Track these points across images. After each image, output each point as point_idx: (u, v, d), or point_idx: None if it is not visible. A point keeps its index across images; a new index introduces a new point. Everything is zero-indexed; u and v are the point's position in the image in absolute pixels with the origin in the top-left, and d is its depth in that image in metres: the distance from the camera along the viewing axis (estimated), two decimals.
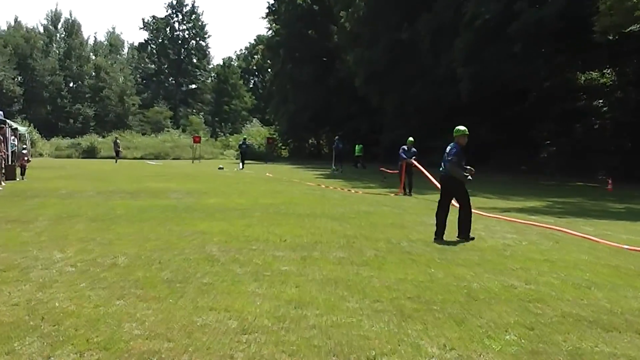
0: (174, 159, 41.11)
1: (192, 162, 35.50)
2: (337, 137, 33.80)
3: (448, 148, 7.40)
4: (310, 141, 51.16)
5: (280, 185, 17.14)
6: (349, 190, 15.82)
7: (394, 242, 6.98)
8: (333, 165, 28.39)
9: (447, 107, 28.17)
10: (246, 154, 31.08)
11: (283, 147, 52.41)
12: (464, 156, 7.37)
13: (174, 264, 5.44)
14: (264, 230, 7.64)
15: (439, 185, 13.17)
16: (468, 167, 7.39)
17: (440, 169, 7.54)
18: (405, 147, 14.64)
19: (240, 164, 29.30)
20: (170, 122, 63.14)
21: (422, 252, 6.41)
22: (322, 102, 42.74)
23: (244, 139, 33.26)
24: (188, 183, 16.57)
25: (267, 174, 23.74)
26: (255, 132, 51.33)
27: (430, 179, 13.83)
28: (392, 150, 28.77)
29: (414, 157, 14.51)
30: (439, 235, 7.21)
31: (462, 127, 7.43)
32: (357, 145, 30.96)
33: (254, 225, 8.12)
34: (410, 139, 14.71)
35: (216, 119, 72.94)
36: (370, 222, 8.82)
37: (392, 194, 14.72)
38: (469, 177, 7.24)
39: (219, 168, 27.56)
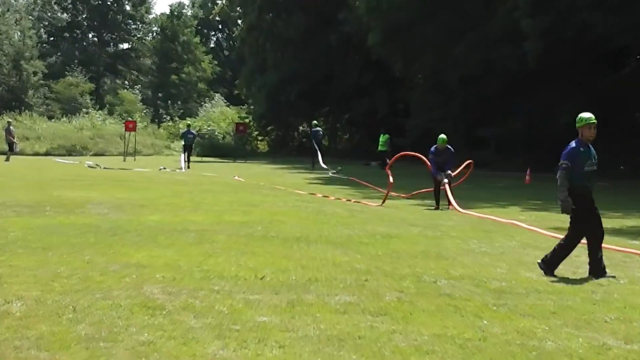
0: (96, 154, 41.04)
1: (124, 159, 35.48)
2: (314, 122, 33.92)
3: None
4: (301, 128, 51.31)
5: (256, 194, 17.13)
6: (359, 201, 15.80)
7: (426, 280, 6.99)
8: (329, 169, 28.44)
9: (506, 77, 28.22)
10: (192, 148, 31.22)
11: (260, 138, 52.42)
12: (592, 159, 7.39)
13: (96, 313, 5.42)
14: (231, 262, 7.62)
15: (464, 211, 13.48)
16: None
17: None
18: (435, 147, 14.71)
19: (183, 162, 29.59)
20: (91, 99, 63.16)
21: (469, 294, 6.41)
22: (318, 69, 42.82)
23: (188, 126, 33.55)
24: (118, 191, 16.54)
25: (236, 177, 23.73)
26: (219, 114, 51.44)
27: (454, 207, 13.96)
28: (422, 142, 28.84)
29: (448, 169, 14.59)
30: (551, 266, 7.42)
31: (586, 114, 7.49)
32: (381, 135, 31.04)
33: (217, 255, 8.11)
34: (442, 136, 14.74)
35: (160, 94, 73.04)
36: (391, 250, 8.82)
37: (425, 208, 14.73)
38: (572, 207, 7.29)
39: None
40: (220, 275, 6.94)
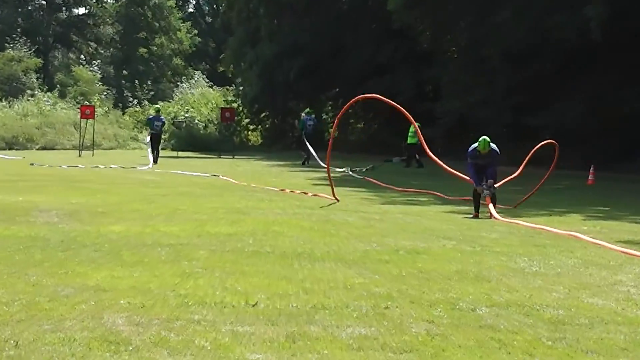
0: (43, 148, 41.22)
1: (80, 154, 35.59)
2: (307, 111, 34.04)
3: None
4: (302, 116, 51.24)
5: (246, 198, 17.17)
6: (379, 206, 15.78)
7: (463, 308, 6.96)
8: (342, 168, 28.56)
9: (562, 52, 28.20)
10: (160, 138, 31.41)
11: (251, 127, 52.47)
12: None
13: (44, 349, 5.40)
14: (215, 285, 7.61)
15: (511, 220, 13.56)
16: None
17: None
18: (474, 148, 14.63)
19: (151, 155, 29.96)
20: (38, 78, 63.33)
21: (517, 326, 6.38)
22: (325, 41, 42.85)
23: (158, 111, 33.62)
24: (71, 194, 16.59)
25: (221, 176, 23.78)
26: (199, 98, 51.55)
27: (495, 217, 14.08)
28: (457, 133, 28.77)
29: (490, 174, 14.64)
30: None
31: None
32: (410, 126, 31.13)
33: (197, 276, 8.09)
34: (485, 139, 14.59)
35: (125, 72, 73.20)
36: (418, 270, 8.80)
37: (462, 216, 14.72)
38: None
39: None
40: (202, 301, 6.91)
